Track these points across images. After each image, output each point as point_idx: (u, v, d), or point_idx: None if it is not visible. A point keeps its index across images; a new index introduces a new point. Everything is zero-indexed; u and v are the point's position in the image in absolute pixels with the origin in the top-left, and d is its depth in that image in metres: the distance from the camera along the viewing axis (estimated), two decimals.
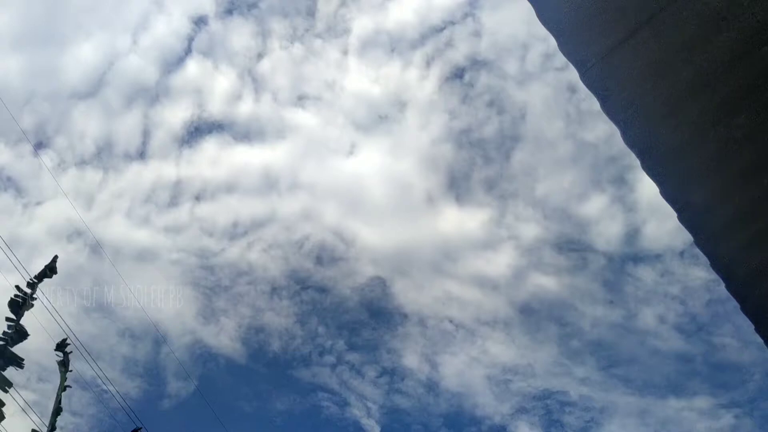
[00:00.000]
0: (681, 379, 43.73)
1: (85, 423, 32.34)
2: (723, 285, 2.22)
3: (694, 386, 42.76)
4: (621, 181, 45.15)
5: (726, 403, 40.30)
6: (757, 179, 1.99)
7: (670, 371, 43.48)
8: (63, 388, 11.51)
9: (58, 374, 11.95)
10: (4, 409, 11.55)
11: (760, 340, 2.29)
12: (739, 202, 2.05)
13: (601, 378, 42.98)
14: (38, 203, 40.74)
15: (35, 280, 12.58)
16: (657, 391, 44.17)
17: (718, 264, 2.13)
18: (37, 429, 11.51)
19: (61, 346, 12.12)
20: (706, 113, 1.99)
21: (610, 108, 2.04)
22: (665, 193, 2.08)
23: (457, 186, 47.09)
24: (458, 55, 45.02)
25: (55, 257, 12.91)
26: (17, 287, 12.34)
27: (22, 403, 14.40)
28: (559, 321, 45.15)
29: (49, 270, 13.12)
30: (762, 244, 2.07)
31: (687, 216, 2.08)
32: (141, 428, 12.58)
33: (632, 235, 44.78)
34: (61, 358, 11.97)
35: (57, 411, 11.37)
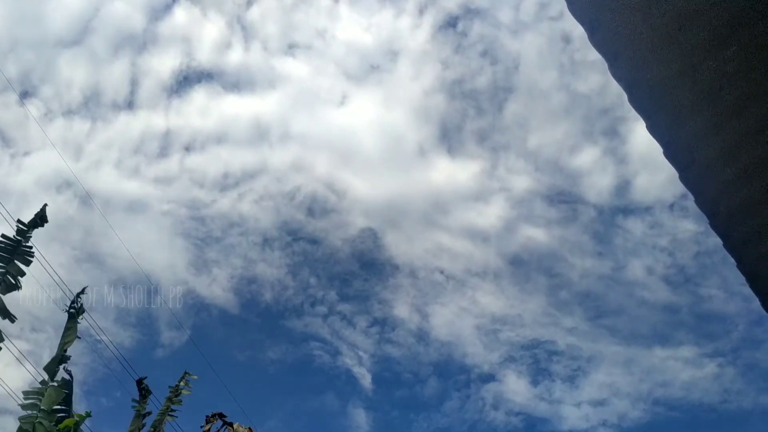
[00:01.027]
0: (667, 330, 44.58)
1: (80, 371, 32.73)
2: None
3: (680, 336, 43.65)
4: (613, 133, 45.23)
5: (710, 353, 41.31)
6: (746, 113, 1.96)
7: (657, 322, 44.42)
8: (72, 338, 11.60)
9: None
10: None
11: (745, 291, 2.29)
12: (727, 138, 2.02)
13: (588, 328, 43.87)
14: (26, 153, 40.16)
15: (26, 227, 12.45)
16: (643, 340, 45.49)
17: (702, 200, 2.11)
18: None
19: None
20: (696, 46, 1.94)
21: (598, 40, 1.99)
22: (652, 128, 2.04)
23: (449, 137, 46.77)
24: (451, 3, 44.21)
25: (45, 205, 12.76)
26: (3, 236, 12.23)
27: (16, 353, 14.52)
28: (548, 272, 45.65)
29: (39, 219, 12.97)
30: (748, 180, 2.05)
31: (673, 151, 2.05)
32: (144, 378, 12.72)
33: (623, 187, 44.83)
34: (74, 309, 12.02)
35: (61, 359, 11.48)
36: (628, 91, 2.00)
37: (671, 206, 42.64)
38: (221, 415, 10.22)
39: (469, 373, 43.48)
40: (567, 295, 45.11)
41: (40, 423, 10.34)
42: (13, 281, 11.93)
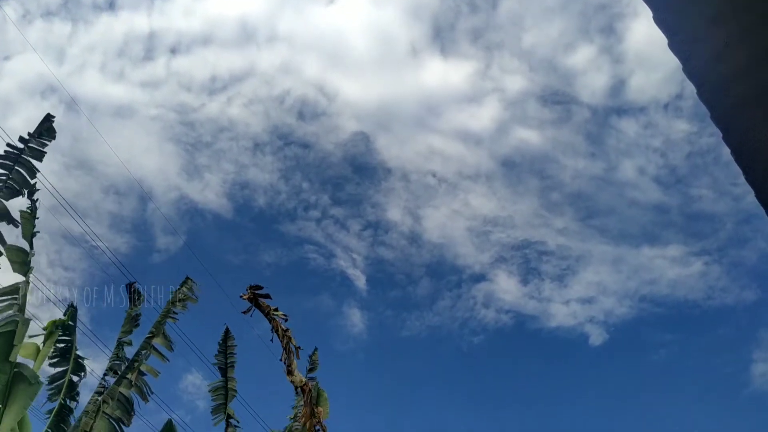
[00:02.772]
0: (656, 229, 44.90)
1: (78, 277, 33.46)
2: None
3: (668, 236, 44.33)
4: (610, 31, 44.00)
5: (697, 251, 42.22)
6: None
7: (646, 221, 44.98)
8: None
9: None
10: None
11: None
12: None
13: (578, 228, 44.48)
14: (6, 58, 38.93)
15: (29, 136, 12.33)
16: (632, 240, 46.05)
17: (690, 69, 2.08)
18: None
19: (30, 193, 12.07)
20: None
21: None
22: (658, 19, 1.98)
23: (441, 37, 45.29)
24: None
25: (49, 115, 12.49)
26: (9, 145, 12.21)
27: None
28: (540, 174, 45.66)
29: (46, 131, 12.76)
30: (736, 49, 2.01)
31: (678, 41, 2.00)
32: (135, 282, 13.00)
33: (618, 87, 43.96)
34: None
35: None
36: None
37: (666, 106, 42.32)
38: (257, 288, 10.20)
39: (460, 273, 44.51)
40: (558, 196, 45.46)
41: (22, 322, 10.33)
42: (17, 188, 11.98)
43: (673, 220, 43.60)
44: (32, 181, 11.95)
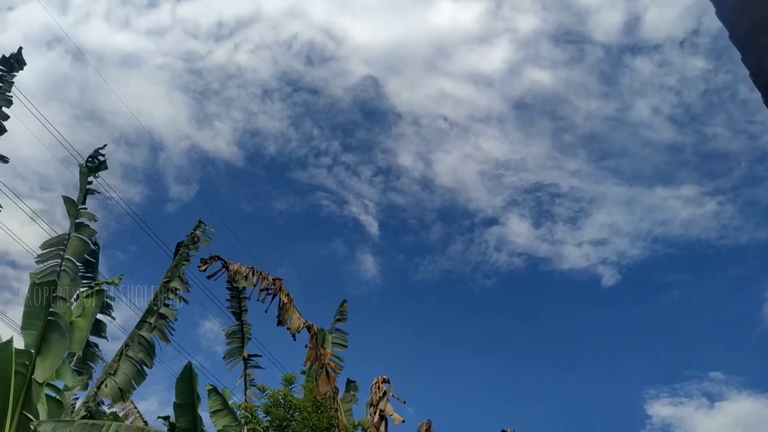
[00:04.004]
0: (670, 169, 44.75)
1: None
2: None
3: (682, 176, 44.24)
4: None
5: (711, 191, 42.14)
6: None
7: (660, 162, 44.82)
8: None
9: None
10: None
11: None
12: None
13: (591, 170, 44.46)
14: (9, 8, 38.66)
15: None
16: (645, 181, 46.10)
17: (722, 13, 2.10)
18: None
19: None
20: None
21: None
22: None
23: None
24: None
25: (20, 48, 12.07)
26: None
27: (29, 212, 14.98)
28: (552, 115, 45.42)
29: (16, 62, 12.15)
30: None
31: None
32: (182, 242, 12.96)
33: (632, 24, 43.18)
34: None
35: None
36: None
37: (681, 43, 41.61)
38: (218, 257, 10.61)
39: (472, 217, 45.08)
40: (571, 137, 45.27)
41: (65, 272, 10.78)
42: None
43: (687, 159, 43.39)
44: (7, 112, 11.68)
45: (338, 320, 17.73)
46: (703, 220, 41.60)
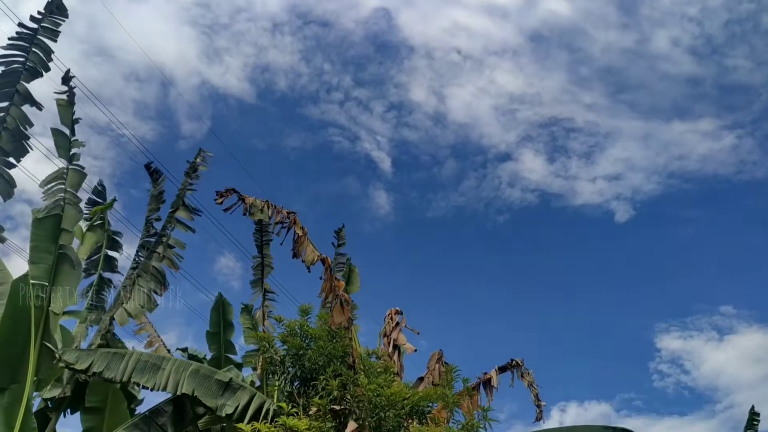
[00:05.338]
0: (688, 103, 42.88)
1: (107, 166, 34.15)
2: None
3: (700, 109, 42.41)
4: None
5: (729, 125, 40.51)
6: None
7: (678, 95, 43.00)
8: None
9: None
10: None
11: None
12: None
13: (607, 103, 42.98)
14: None
15: (41, 15, 12.01)
16: (662, 114, 44.39)
17: None
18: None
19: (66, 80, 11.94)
20: None
21: None
22: None
23: None
24: None
25: None
26: (20, 24, 11.96)
27: (44, 150, 14.99)
28: (569, 47, 43.61)
29: (56, 8, 12.47)
30: None
31: None
32: (151, 162, 13.08)
33: None
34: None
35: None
36: None
37: None
38: (234, 190, 10.51)
39: (485, 153, 44.28)
40: (587, 70, 43.65)
41: (69, 204, 10.78)
42: (37, 70, 11.83)
43: (706, 92, 41.59)
44: (48, 62, 11.79)
45: (339, 245, 17.76)
46: (720, 154, 40.04)
